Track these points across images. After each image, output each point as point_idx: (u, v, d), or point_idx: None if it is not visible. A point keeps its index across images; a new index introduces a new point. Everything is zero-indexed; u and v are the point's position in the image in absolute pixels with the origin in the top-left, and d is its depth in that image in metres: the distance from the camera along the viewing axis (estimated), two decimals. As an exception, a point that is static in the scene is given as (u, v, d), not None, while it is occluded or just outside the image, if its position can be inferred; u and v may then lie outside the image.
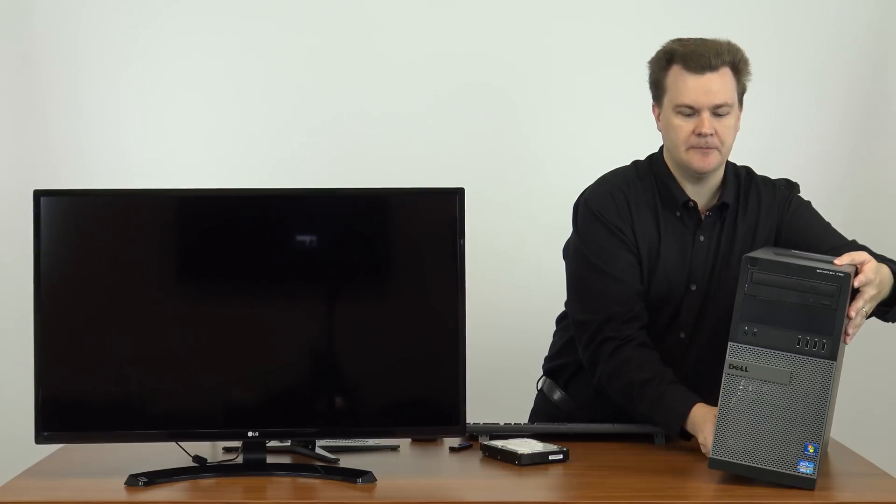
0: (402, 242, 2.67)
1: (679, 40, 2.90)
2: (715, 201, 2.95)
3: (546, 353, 3.19)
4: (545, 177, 3.83)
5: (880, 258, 2.76)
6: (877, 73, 4.01)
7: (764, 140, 3.97)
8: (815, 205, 4.01)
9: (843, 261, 2.60)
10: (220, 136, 4.02)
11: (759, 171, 3.18)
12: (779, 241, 2.94)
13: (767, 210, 2.95)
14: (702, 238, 2.92)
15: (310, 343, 2.64)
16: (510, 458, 2.68)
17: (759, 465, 2.49)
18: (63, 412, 2.59)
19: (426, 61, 4.01)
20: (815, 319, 2.49)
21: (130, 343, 2.59)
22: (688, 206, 2.92)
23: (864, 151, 4.02)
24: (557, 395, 3.11)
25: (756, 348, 2.51)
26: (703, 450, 2.66)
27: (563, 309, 3.10)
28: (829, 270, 2.51)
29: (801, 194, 3.05)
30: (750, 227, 2.93)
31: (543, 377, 3.17)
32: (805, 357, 2.49)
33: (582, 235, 2.95)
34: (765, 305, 2.51)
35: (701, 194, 2.94)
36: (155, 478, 2.54)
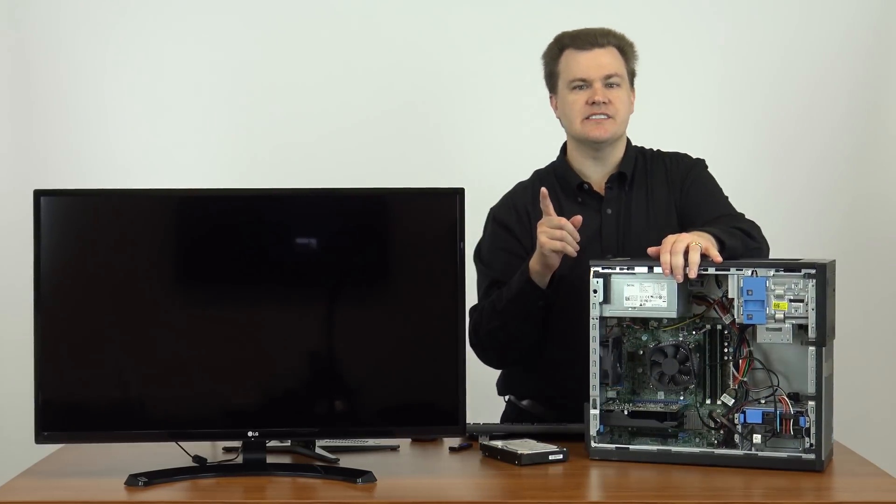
0: (401, 243, 2.67)
1: (566, 31, 3.10)
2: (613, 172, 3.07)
3: None
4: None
5: (725, 231, 2.80)
6: (876, 74, 4.01)
7: (763, 140, 3.98)
8: (813, 205, 4.04)
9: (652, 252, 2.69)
10: (219, 136, 4.02)
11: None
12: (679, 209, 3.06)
13: (665, 178, 3.07)
14: (609, 211, 3.04)
15: (309, 343, 2.64)
16: (510, 458, 2.68)
17: None
18: (63, 412, 2.59)
19: (427, 61, 4.01)
20: None
21: (130, 343, 2.59)
22: (583, 187, 3.05)
23: (863, 152, 4.02)
24: (525, 402, 3.10)
25: None
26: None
27: None
28: None
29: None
30: (649, 195, 3.05)
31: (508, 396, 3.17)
32: None
33: (483, 238, 3.10)
34: None
35: (600, 172, 3.06)
36: (155, 478, 2.54)
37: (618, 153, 3.07)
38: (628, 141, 3.11)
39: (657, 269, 2.66)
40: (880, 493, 2.47)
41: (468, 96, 4.02)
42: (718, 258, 2.64)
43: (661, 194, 3.05)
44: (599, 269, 2.70)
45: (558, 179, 3.09)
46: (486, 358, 3.06)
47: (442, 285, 2.61)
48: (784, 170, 3.94)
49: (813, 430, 2.58)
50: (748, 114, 4.00)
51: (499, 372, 3.17)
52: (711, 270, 2.65)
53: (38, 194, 2.59)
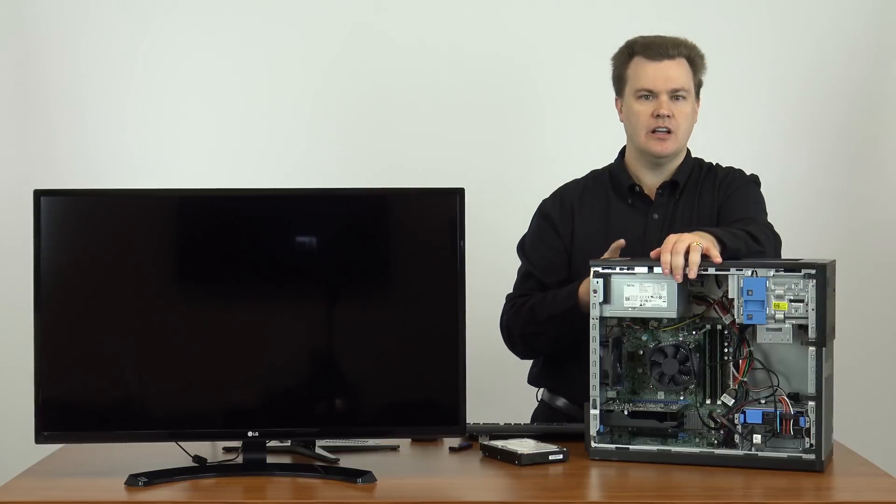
0: (402, 243, 2.67)
1: (640, 36, 3.11)
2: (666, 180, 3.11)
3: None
4: (546, 177, 3.83)
5: (728, 232, 2.79)
6: (877, 74, 4.01)
7: (763, 140, 3.98)
8: (811, 205, 4.04)
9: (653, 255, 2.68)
10: (220, 137, 4.02)
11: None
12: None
13: (713, 189, 3.10)
14: (656, 216, 3.08)
15: (310, 343, 2.64)
16: (510, 458, 2.68)
17: None
18: (63, 412, 2.59)
19: (427, 61, 4.01)
20: None
21: (130, 343, 2.59)
22: (634, 189, 3.09)
23: (863, 152, 4.02)
24: (560, 402, 3.13)
25: None
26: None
27: None
28: None
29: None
30: (696, 204, 3.08)
31: (542, 389, 3.20)
32: None
33: (529, 229, 3.21)
34: None
35: (656, 179, 3.11)
36: (155, 478, 2.54)
37: (675, 163, 3.11)
38: (688, 152, 3.14)
39: (657, 270, 2.66)
40: (880, 493, 2.47)
41: (468, 96, 4.02)
42: (718, 259, 2.64)
43: (706, 203, 3.08)
44: (599, 270, 2.70)
45: (612, 179, 3.14)
46: (514, 350, 3.15)
47: (442, 285, 2.62)
48: (784, 170, 3.94)
49: (813, 431, 2.58)
50: (748, 113, 4.00)
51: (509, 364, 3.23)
52: (711, 271, 2.65)
53: (38, 194, 2.59)
